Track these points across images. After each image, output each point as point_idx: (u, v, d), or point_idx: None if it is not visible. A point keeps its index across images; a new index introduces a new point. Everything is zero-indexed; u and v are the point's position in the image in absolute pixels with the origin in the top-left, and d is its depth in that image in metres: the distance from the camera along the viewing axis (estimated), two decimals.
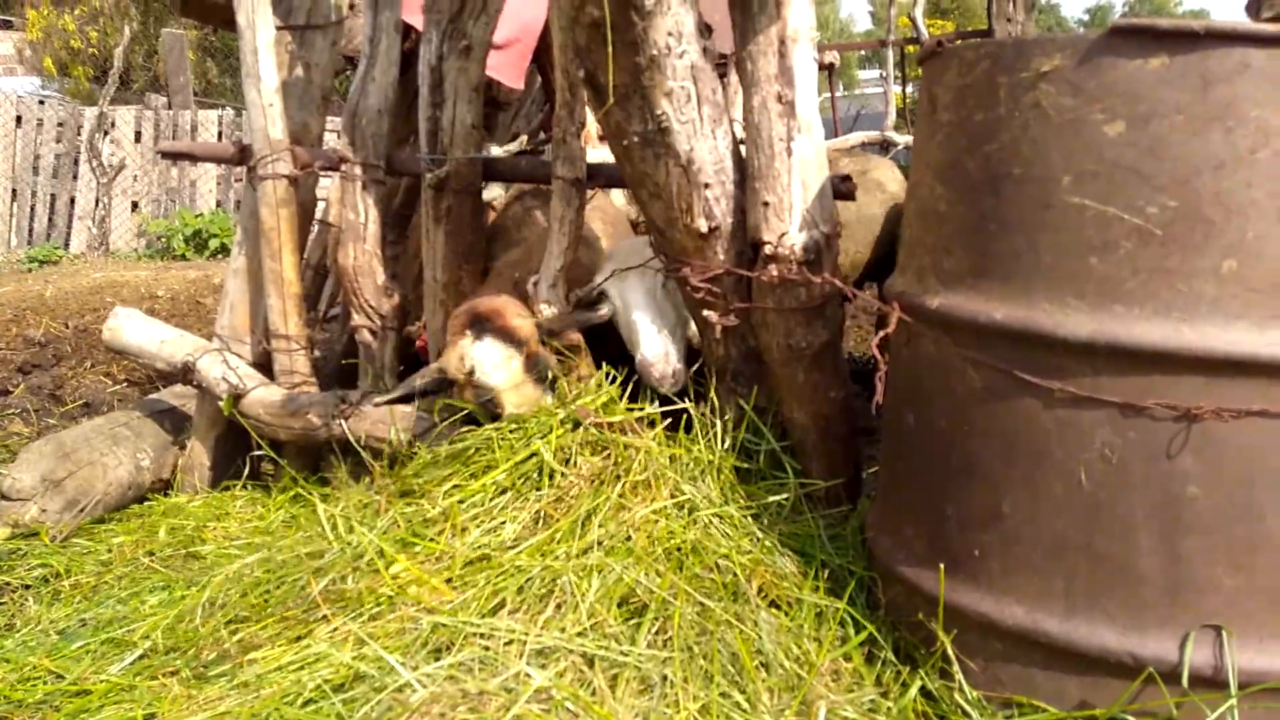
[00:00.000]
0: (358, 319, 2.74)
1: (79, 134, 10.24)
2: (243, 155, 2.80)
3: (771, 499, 2.03)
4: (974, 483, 1.65)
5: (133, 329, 2.89)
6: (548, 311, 2.35)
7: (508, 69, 3.70)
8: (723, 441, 2.14)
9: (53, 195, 10.23)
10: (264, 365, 2.93)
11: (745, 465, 2.13)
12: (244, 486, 2.82)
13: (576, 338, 2.34)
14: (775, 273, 2.01)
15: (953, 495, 1.68)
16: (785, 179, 2.01)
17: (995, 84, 1.59)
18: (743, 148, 2.10)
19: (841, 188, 2.21)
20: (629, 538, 1.86)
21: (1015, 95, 1.55)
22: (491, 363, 2.27)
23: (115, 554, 2.37)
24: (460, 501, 1.93)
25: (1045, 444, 1.55)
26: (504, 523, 1.90)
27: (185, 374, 2.83)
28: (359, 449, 2.51)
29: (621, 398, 2.18)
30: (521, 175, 2.61)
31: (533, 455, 1.98)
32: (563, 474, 1.94)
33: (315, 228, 3.36)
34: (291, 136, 2.88)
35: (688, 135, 2.00)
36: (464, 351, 2.28)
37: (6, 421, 3.54)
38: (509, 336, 2.28)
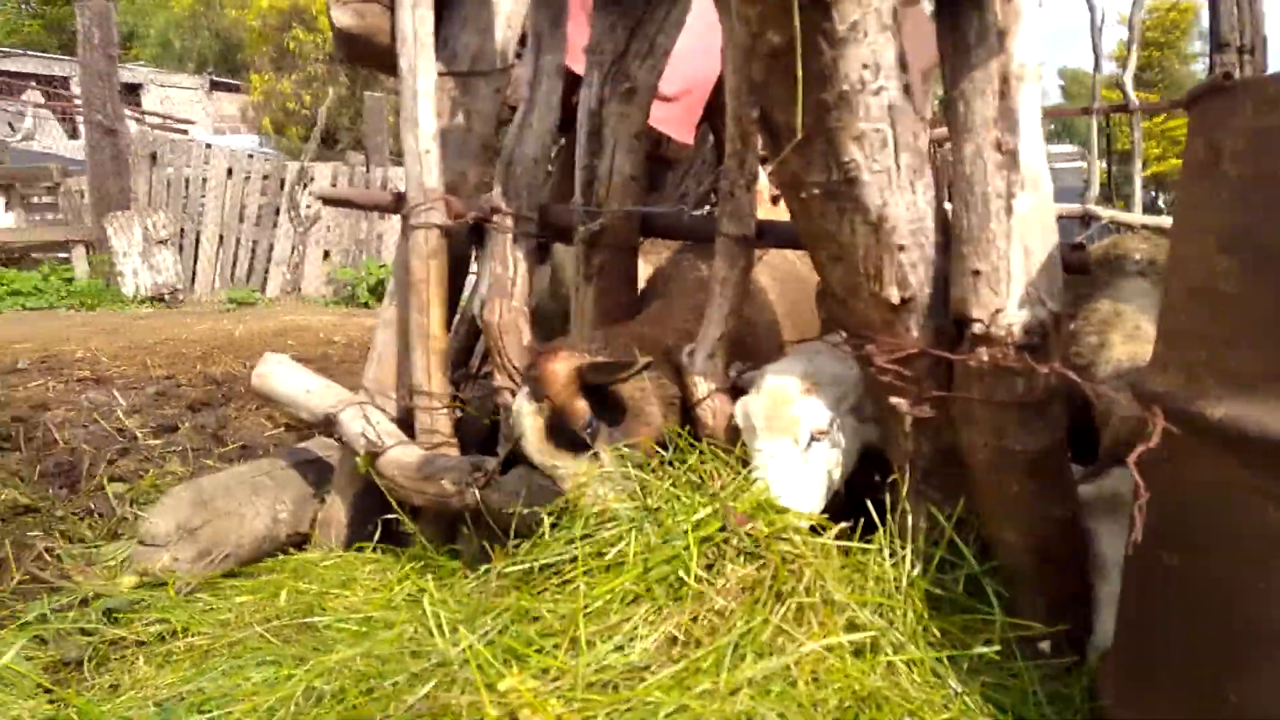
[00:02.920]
0: (500, 379, 2.55)
1: (281, 187, 11.01)
2: (398, 203, 2.71)
3: (975, 645, 1.62)
4: (1272, 662, 1.20)
5: (281, 377, 2.83)
6: (702, 387, 2.06)
7: (677, 123, 3.51)
8: (911, 561, 1.76)
9: (254, 242, 11.01)
10: (408, 422, 2.79)
11: (938, 592, 1.73)
12: (376, 549, 2.66)
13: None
14: (986, 357, 1.63)
15: (1238, 673, 1.24)
16: (1003, 244, 1.64)
17: None
18: (948, 206, 1.76)
19: (1072, 258, 1.81)
20: (791, 678, 1.51)
21: None
22: (518, 413, 2.08)
23: (235, 616, 2.24)
24: (585, 608, 1.64)
25: None
26: (634, 639, 1.59)
27: (328, 426, 2.73)
28: (492, 523, 2.28)
29: None
30: (683, 232, 2.36)
31: (673, 557, 1.67)
32: (707, 584, 1.62)
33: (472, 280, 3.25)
34: (448, 186, 2.76)
35: (880, 187, 1.68)
36: None
37: (166, 460, 3.60)
38: (536, 386, 2.05)
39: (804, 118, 1.66)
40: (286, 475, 2.91)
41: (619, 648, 1.62)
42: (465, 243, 2.90)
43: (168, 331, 7.51)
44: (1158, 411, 1.30)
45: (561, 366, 2.01)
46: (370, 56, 2.73)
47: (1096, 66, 8.60)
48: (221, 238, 10.98)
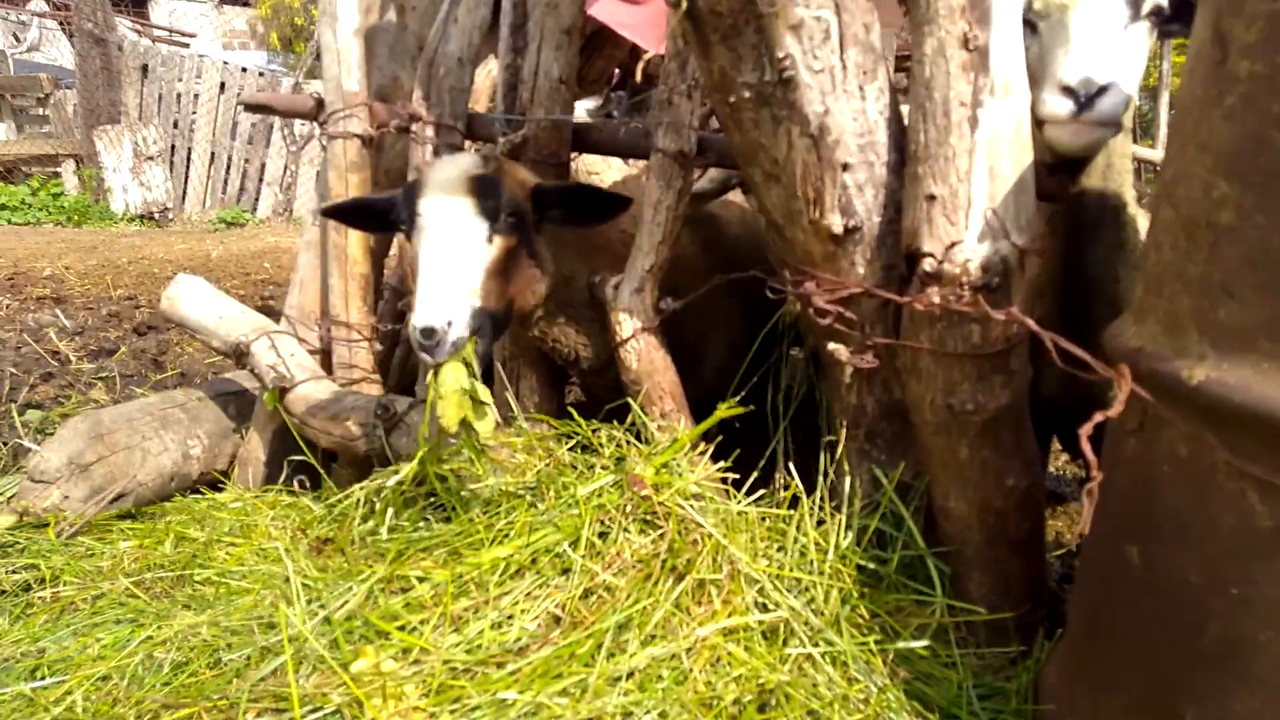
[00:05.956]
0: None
1: None
2: (319, 110, 2.43)
3: (907, 631, 1.40)
4: (1243, 683, 0.97)
5: (192, 300, 2.59)
6: (627, 325, 1.80)
7: (648, 29, 3.17)
8: (843, 529, 1.53)
9: (246, 160, 10.68)
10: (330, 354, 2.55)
11: (873, 566, 1.51)
12: (293, 491, 2.44)
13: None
14: (937, 299, 1.37)
15: (1199, 692, 1.01)
16: (964, 163, 1.36)
17: None
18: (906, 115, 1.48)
19: (1049, 184, 1.53)
20: (681, 667, 1.29)
21: None
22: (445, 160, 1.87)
23: (113, 563, 2.05)
24: (458, 577, 1.42)
25: None
26: (513, 617, 1.38)
27: (239, 357, 2.50)
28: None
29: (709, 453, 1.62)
30: (620, 146, 2.07)
31: (563, 527, 1.44)
32: (597, 557, 1.40)
33: None
34: (379, 91, 2.48)
35: (821, 91, 1.40)
36: None
37: (92, 386, 3.38)
38: (500, 163, 1.86)
39: (730, 3, 1.37)
40: (203, 408, 2.69)
41: (496, 625, 1.41)
42: (403, 155, 2.62)
43: (145, 251, 7.28)
44: (1125, 372, 1.04)
45: (527, 176, 1.83)
46: None
47: None
48: (213, 155, 10.65)
